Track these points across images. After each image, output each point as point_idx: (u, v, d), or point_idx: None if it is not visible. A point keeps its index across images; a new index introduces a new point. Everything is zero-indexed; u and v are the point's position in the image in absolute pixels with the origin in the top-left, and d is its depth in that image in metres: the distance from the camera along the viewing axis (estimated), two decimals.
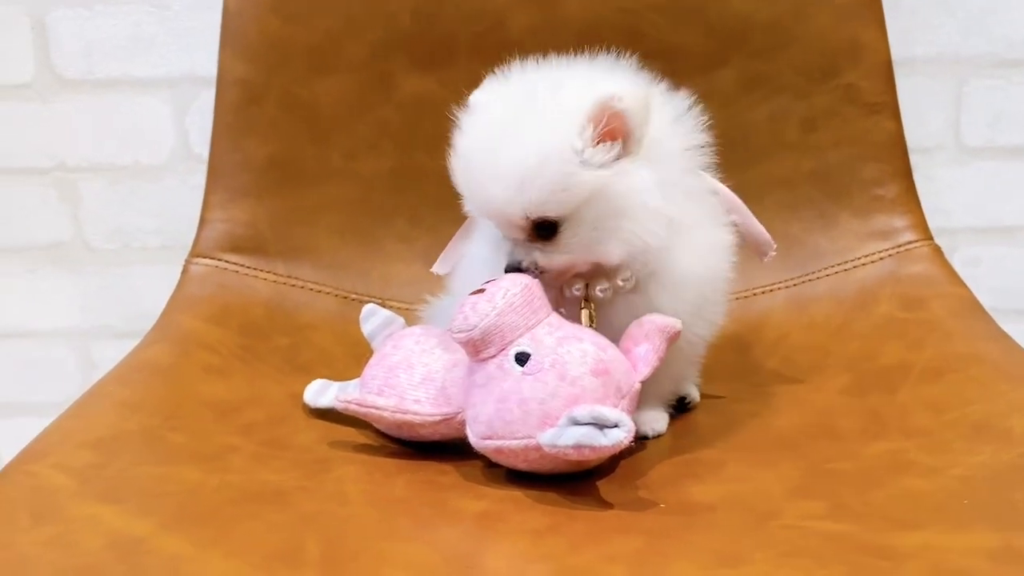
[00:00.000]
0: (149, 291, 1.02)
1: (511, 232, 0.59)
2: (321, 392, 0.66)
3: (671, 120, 0.62)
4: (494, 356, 0.56)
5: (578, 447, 0.53)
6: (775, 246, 0.66)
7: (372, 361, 0.64)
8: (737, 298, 0.81)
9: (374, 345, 0.67)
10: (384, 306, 0.80)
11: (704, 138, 0.64)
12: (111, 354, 1.04)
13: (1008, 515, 0.50)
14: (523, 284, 0.57)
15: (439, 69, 0.85)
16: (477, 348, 0.57)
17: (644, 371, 0.58)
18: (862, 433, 0.62)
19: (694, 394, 0.69)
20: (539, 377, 0.55)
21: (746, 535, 0.51)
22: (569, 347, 0.56)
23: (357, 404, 0.61)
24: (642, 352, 0.58)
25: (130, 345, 0.75)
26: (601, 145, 0.56)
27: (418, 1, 0.84)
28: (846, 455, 0.59)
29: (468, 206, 0.61)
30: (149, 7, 0.96)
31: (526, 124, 0.57)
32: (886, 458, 0.58)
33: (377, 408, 0.60)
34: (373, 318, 0.68)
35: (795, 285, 0.83)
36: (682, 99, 0.64)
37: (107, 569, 0.45)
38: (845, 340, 0.76)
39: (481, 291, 0.57)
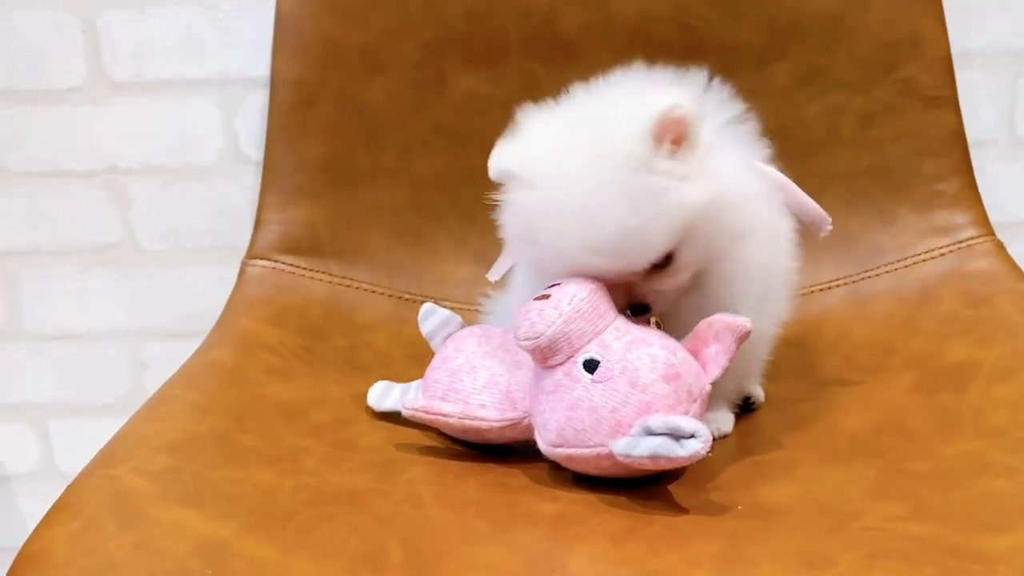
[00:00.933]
0: (200, 292, 1.02)
1: (625, 280, 0.57)
2: (384, 394, 0.66)
3: (716, 113, 0.61)
4: (562, 363, 0.56)
5: (654, 458, 0.52)
6: (830, 220, 0.65)
7: (434, 363, 0.64)
8: (796, 296, 0.81)
9: (433, 345, 0.67)
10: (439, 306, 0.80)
11: (752, 126, 0.63)
12: (161, 355, 1.06)
13: None
14: (589, 289, 0.57)
15: (492, 68, 0.85)
16: (544, 355, 0.56)
17: (715, 372, 0.57)
18: (936, 432, 0.61)
19: (759, 394, 0.68)
20: (609, 385, 0.54)
21: (829, 537, 0.50)
22: (639, 352, 0.55)
23: (424, 411, 0.60)
24: (712, 353, 0.57)
25: (180, 346, 0.75)
26: (675, 157, 0.54)
27: (471, 0, 0.83)
28: (921, 455, 0.59)
29: (554, 267, 0.57)
30: (199, 8, 0.96)
31: (603, 182, 0.53)
32: (964, 458, 0.57)
33: (444, 415, 0.60)
34: (432, 317, 0.68)
35: (855, 282, 0.82)
36: (721, 89, 0.63)
37: (196, 573, 0.45)
38: (909, 337, 0.75)
39: (546, 296, 0.57)
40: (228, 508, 0.52)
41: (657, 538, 0.51)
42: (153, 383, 0.77)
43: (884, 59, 0.82)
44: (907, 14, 0.82)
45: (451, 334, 0.66)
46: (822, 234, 0.65)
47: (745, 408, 0.67)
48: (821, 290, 0.82)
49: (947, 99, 0.82)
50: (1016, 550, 0.47)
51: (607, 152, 0.54)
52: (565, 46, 0.85)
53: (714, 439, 0.63)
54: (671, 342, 0.57)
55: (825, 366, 0.75)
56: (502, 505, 0.55)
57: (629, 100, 0.56)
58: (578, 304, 0.55)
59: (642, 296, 0.58)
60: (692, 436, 0.51)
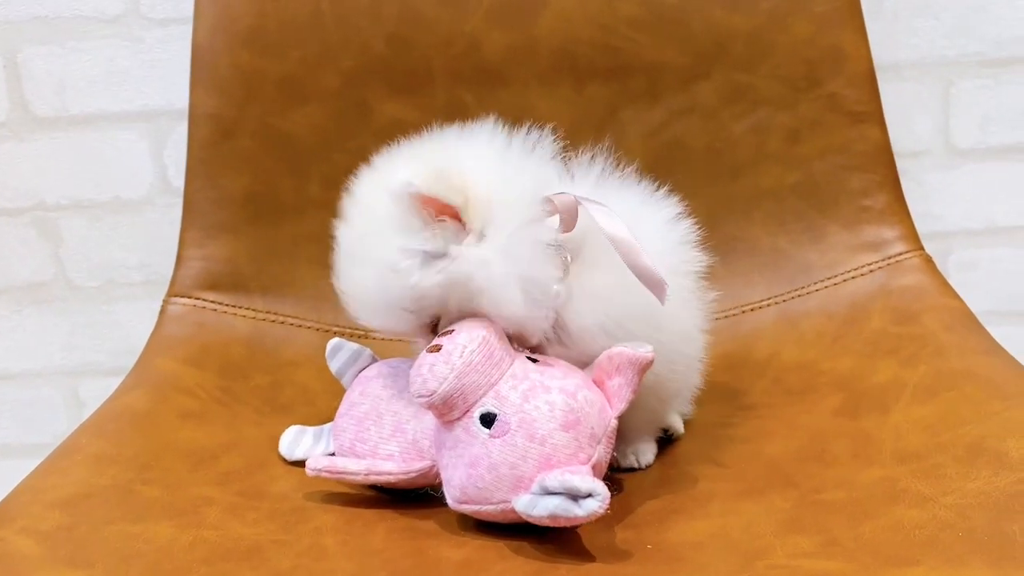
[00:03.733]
0: (134, 327, 1.01)
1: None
2: (296, 442, 0.64)
3: (511, 175, 0.57)
4: (459, 419, 0.54)
5: (553, 518, 0.51)
6: (667, 287, 0.56)
7: (341, 409, 0.62)
8: (726, 316, 0.80)
9: (344, 382, 0.65)
10: (367, 339, 0.79)
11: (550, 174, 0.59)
12: (99, 392, 1.03)
13: (1005, 548, 0.48)
14: (482, 337, 0.55)
15: (416, 95, 0.83)
16: (440, 412, 0.55)
17: (620, 407, 0.56)
18: (854, 458, 0.60)
19: (677, 426, 0.67)
20: (507, 440, 0.53)
21: None
22: (536, 401, 0.54)
23: (328, 471, 0.59)
24: (615, 387, 0.56)
25: (117, 382, 0.74)
26: (434, 233, 0.54)
27: (392, 27, 0.82)
28: (838, 483, 0.58)
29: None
30: (121, 40, 0.95)
31: (366, 243, 0.57)
32: (878, 486, 0.56)
33: (349, 473, 0.58)
34: (340, 353, 0.66)
35: (785, 301, 0.82)
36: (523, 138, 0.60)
37: None
38: (837, 357, 0.74)
39: (437, 348, 0.55)
40: (118, 568, 0.50)
41: None
42: None
43: (808, 75, 0.82)
44: (829, 30, 0.81)
45: (362, 369, 0.64)
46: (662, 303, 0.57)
47: (665, 439, 0.66)
48: (752, 310, 0.81)
49: (872, 114, 0.82)
50: None
51: (379, 211, 0.56)
52: (491, 71, 0.84)
53: (636, 469, 0.62)
54: (572, 380, 0.55)
55: (753, 389, 0.74)
56: (408, 553, 0.54)
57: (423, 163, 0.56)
58: (469, 357, 0.54)
59: (429, 340, 0.57)
60: (589, 495, 0.50)
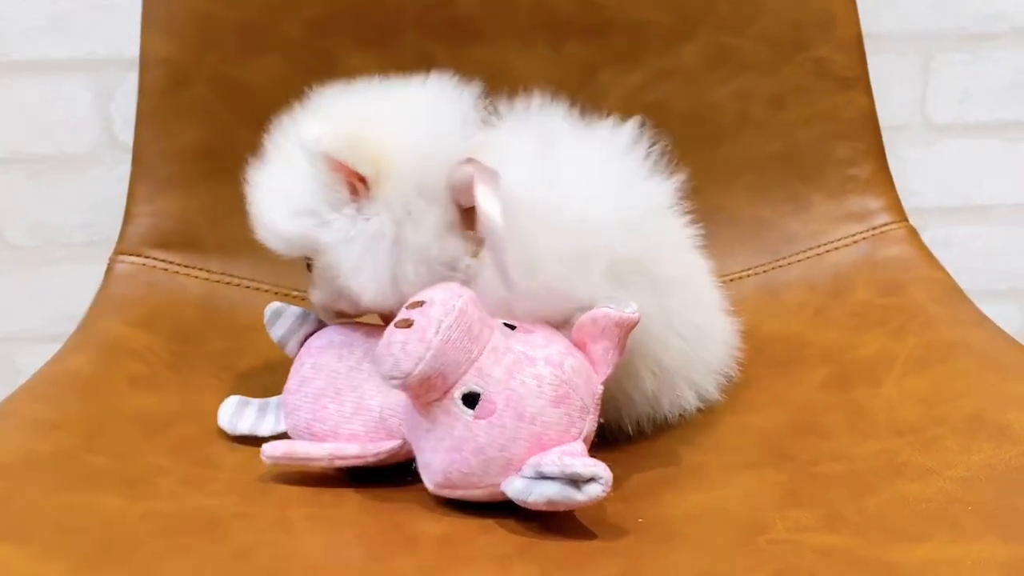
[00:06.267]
0: (76, 291, 0.93)
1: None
2: (239, 414, 0.58)
3: (430, 146, 0.54)
4: (438, 399, 0.50)
5: (551, 504, 0.47)
6: (516, 287, 0.52)
7: (291, 384, 0.56)
8: None
9: (288, 350, 0.60)
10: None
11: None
12: (37, 360, 0.97)
13: (1016, 523, 0.46)
14: (457, 310, 0.49)
15: (384, 47, 0.79)
16: (416, 394, 0.49)
17: (606, 371, 0.52)
18: (849, 431, 0.58)
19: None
20: (494, 421, 0.48)
21: (734, 553, 0.46)
22: (522, 376, 0.49)
23: (287, 458, 0.53)
24: (600, 351, 0.52)
25: (57, 350, 0.68)
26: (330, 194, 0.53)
27: None
28: (834, 456, 0.55)
29: None
30: None
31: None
32: (878, 459, 0.54)
33: (312, 459, 0.53)
34: (281, 319, 0.60)
35: (766, 271, 0.79)
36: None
37: None
38: (822, 329, 0.72)
39: (408, 323, 0.49)
40: (61, 543, 0.45)
41: (550, 560, 0.46)
42: None
43: (795, 38, 0.79)
44: None
45: (308, 335, 0.59)
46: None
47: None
48: (732, 280, 0.79)
49: (859, 80, 0.79)
50: (931, 562, 0.44)
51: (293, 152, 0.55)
52: (464, 24, 0.80)
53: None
54: (556, 347, 0.51)
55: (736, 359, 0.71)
56: (383, 527, 0.49)
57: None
58: (447, 333, 0.48)
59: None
60: (591, 480, 0.46)
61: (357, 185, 0.53)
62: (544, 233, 0.52)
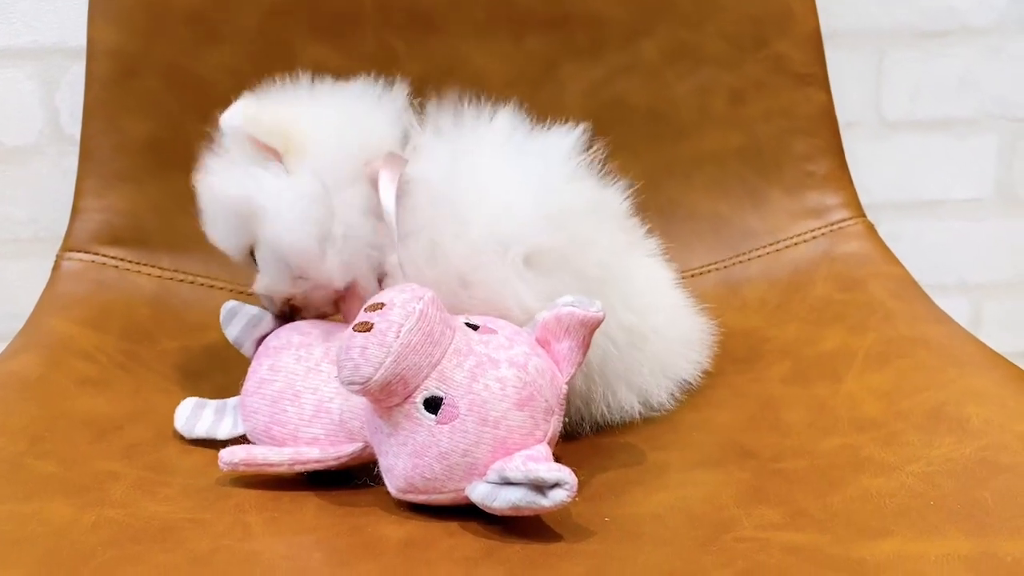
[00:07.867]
0: (20, 289, 0.91)
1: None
2: (195, 416, 0.57)
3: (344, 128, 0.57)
4: (399, 404, 0.48)
5: (516, 509, 0.46)
6: (393, 229, 0.56)
7: (248, 386, 0.55)
8: None
9: (244, 351, 0.59)
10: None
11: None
12: None
13: (978, 516, 0.46)
14: (418, 312, 0.48)
15: (342, 37, 0.77)
16: (377, 399, 0.48)
17: (570, 371, 0.52)
18: (810, 427, 0.58)
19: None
20: (456, 426, 0.47)
21: (701, 552, 0.46)
22: (485, 380, 0.48)
23: (246, 464, 0.51)
24: (564, 350, 0.52)
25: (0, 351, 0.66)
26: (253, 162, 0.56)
27: None
28: (797, 452, 0.55)
29: None
30: None
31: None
32: (840, 455, 0.54)
33: (271, 465, 0.51)
34: (236, 319, 0.59)
35: (726, 267, 0.79)
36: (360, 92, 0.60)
37: None
38: (782, 324, 0.72)
39: (367, 326, 0.47)
40: (7, 555, 0.43)
41: (515, 562, 0.45)
42: None
43: (754, 34, 0.79)
44: None
45: (265, 335, 0.58)
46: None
47: None
48: (692, 276, 0.79)
49: (817, 76, 0.80)
50: (898, 557, 0.44)
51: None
52: (424, 16, 0.79)
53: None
54: (519, 348, 0.50)
55: None
56: (344, 531, 0.48)
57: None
58: (408, 337, 0.47)
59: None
60: (556, 485, 0.46)
61: (272, 157, 0.56)
62: (452, 222, 0.54)
